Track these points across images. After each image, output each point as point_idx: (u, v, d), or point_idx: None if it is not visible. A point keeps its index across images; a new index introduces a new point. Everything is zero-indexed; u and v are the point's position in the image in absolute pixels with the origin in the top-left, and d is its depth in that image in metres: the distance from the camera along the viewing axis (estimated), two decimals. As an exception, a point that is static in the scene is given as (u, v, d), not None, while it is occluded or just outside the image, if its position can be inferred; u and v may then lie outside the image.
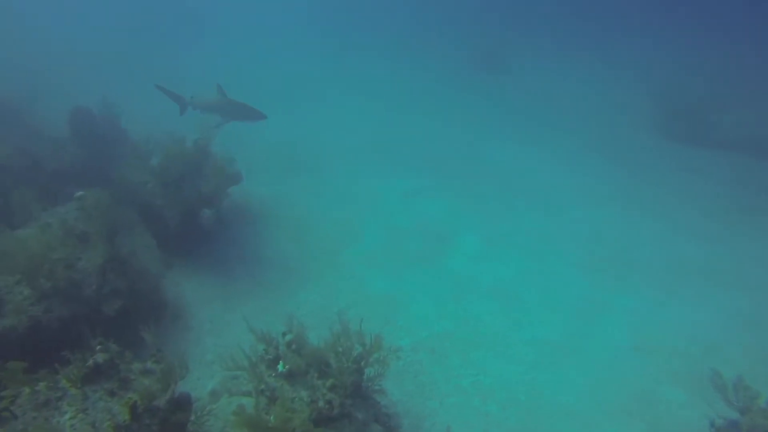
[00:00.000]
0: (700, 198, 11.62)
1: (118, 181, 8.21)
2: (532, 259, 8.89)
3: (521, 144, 13.87)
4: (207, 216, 8.90)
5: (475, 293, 7.96)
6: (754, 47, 22.54)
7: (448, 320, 7.41)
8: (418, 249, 9.00)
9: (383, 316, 7.48)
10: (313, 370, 5.47)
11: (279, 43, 23.84)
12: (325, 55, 22.22)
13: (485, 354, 6.86)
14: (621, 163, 13.21)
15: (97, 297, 6.13)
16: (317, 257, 8.88)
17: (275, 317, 7.39)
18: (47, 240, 6.12)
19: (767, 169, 13.54)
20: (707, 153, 14.26)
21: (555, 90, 18.88)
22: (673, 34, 23.56)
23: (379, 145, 13.15)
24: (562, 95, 18.44)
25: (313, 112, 15.42)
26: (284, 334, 5.93)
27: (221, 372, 5.93)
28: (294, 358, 5.55)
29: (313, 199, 10.52)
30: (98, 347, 4.75)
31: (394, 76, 19.31)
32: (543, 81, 19.61)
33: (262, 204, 10.27)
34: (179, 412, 4.66)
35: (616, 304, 7.99)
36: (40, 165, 8.13)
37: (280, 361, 5.39)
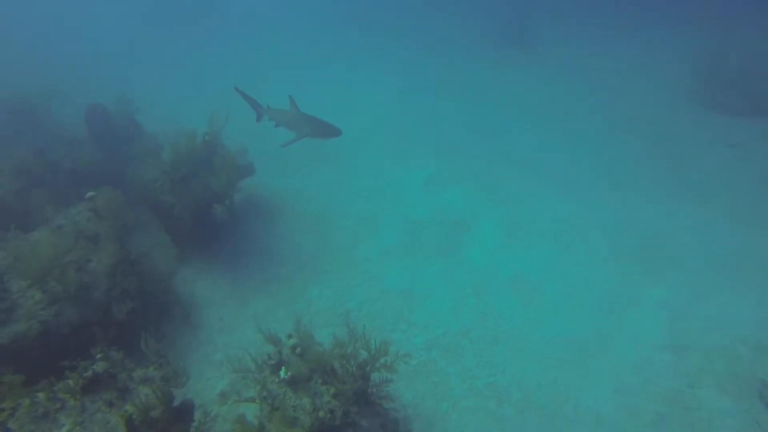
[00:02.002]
0: (746, 177, 10.63)
1: (130, 179, 8.22)
2: (556, 249, 8.38)
3: (542, 124, 13.09)
4: (219, 211, 8.81)
5: (495, 286, 7.58)
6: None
7: (465, 316, 7.09)
8: (436, 240, 8.64)
9: (398, 312, 7.24)
10: (317, 375, 5.31)
11: (300, 27, 23.48)
12: (345, 37, 21.71)
13: (503, 352, 6.52)
14: (655, 141, 12.23)
15: (106, 300, 6.14)
16: (332, 252, 8.68)
17: (287, 314, 7.29)
18: (59, 243, 6.14)
19: None
20: (756, 124, 13.04)
21: (584, 65, 17.72)
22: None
23: (399, 130, 12.72)
24: (592, 70, 17.31)
25: (332, 98, 15.08)
26: (289, 337, 5.80)
27: (231, 373, 5.83)
28: (297, 362, 5.40)
29: (331, 190, 10.28)
30: (98, 356, 4.71)
31: (413, 58, 18.62)
32: (573, 59, 18.44)
33: (277, 197, 10.12)
34: (178, 423, 4.58)
35: (648, 297, 7.43)
36: (57, 166, 8.21)
37: (283, 367, 5.25)
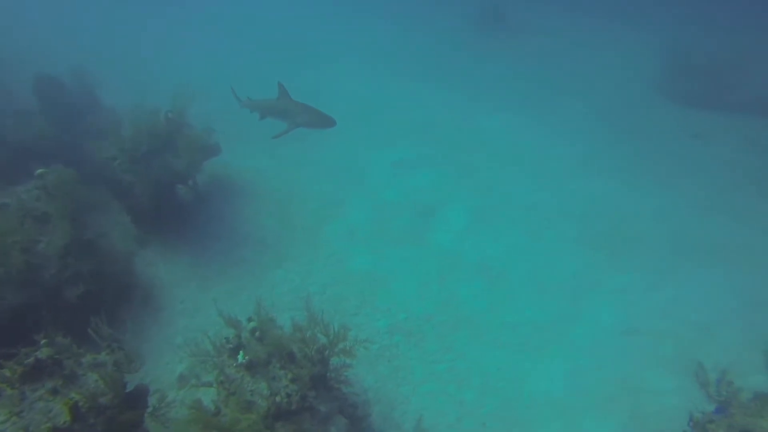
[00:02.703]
0: (708, 166, 10.93)
1: (88, 157, 7.88)
2: (523, 235, 8.47)
3: (517, 109, 13.11)
4: (182, 192, 8.56)
5: (459, 272, 7.63)
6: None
7: (429, 301, 7.13)
8: (403, 223, 8.62)
9: (361, 296, 7.23)
10: (275, 360, 5.27)
11: (274, 7, 22.69)
12: (317, 18, 21.14)
13: (465, 337, 6.60)
14: (624, 129, 12.44)
15: (57, 282, 5.92)
16: (298, 233, 8.58)
17: (250, 297, 7.18)
18: (1, 222, 5.85)
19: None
20: (718, 116, 13.37)
21: (558, 51, 17.78)
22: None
23: (369, 112, 12.56)
24: (565, 56, 17.37)
25: (303, 77, 14.75)
26: (249, 321, 5.73)
27: (189, 357, 5.72)
28: (256, 346, 5.33)
29: (298, 171, 10.11)
30: (43, 341, 4.54)
31: (387, 38, 18.32)
32: (545, 42, 18.44)
33: (244, 177, 9.91)
34: (131, 409, 4.47)
35: (608, 283, 7.60)
36: (2, 140, 7.79)
37: (241, 351, 5.18)
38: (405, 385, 6.03)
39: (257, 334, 5.47)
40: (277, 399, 4.81)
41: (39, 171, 6.63)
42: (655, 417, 5.60)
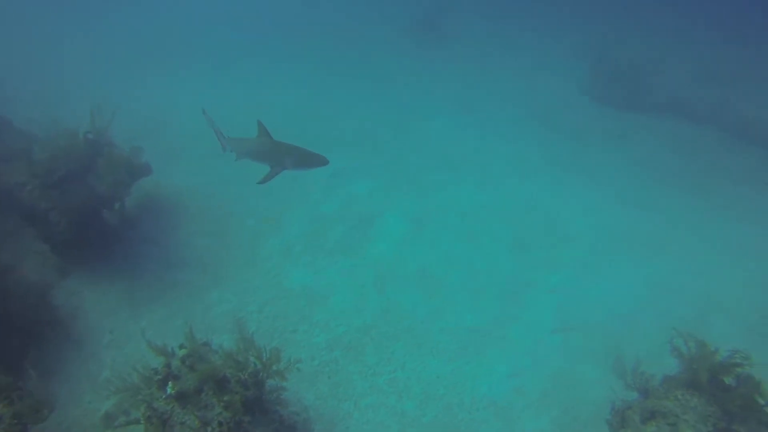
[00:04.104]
0: (631, 164, 11.62)
1: (-4, 182, 7.35)
2: (460, 239, 8.65)
3: (452, 114, 13.45)
4: (108, 216, 8.15)
5: (398, 281, 7.67)
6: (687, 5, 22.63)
7: (367, 313, 7.12)
8: (341, 235, 8.59)
9: (299, 312, 7.12)
10: (207, 387, 5.09)
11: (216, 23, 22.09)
12: (255, 34, 20.78)
13: (405, 347, 6.63)
14: (557, 131, 13.02)
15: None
16: (235, 252, 8.36)
17: (186, 323, 6.92)
18: None
19: (698, 133, 13.68)
20: (639, 117, 14.27)
21: (490, 57, 18.40)
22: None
23: (306, 122, 12.46)
24: (498, 61, 18.01)
25: (237, 89, 14.48)
26: (181, 348, 5.51)
27: (114, 393, 5.42)
28: (188, 375, 5.14)
29: (233, 188, 9.85)
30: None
31: (319, 50, 18.26)
32: (478, 48, 19.06)
33: (177, 197, 9.55)
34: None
35: (542, 282, 7.88)
36: None
37: (169, 382, 4.97)
38: (346, 401, 5.98)
39: (188, 361, 5.28)
40: (209, 429, 4.65)
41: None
42: (584, 408, 5.85)
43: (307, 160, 5.88)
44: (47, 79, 14.17)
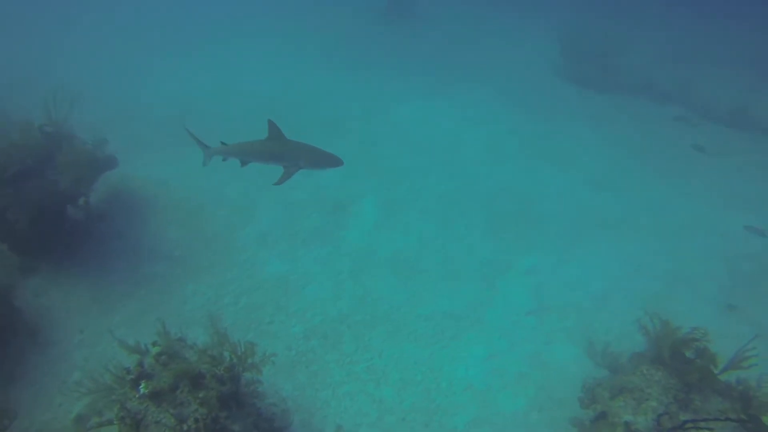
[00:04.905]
0: (600, 145, 11.78)
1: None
2: (434, 224, 8.67)
3: (427, 97, 13.38)
4: (72, 211, 7.89)
5: (373, 268, 7.67)
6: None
7: (344, 301, 7.12)
8: (315, 223, 8.53)
9: (275, 302, 7.08)
10: (183, 384, 5.03)
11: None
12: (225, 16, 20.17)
13: (382, 334, 6.65)
14: (530, 113, 13.06)
15: None
16: (209, 243, 8.23)
17: (161, 316, 6.80)
18: None
19: (664, 112, 13.92)
20: (610, 98, 14.44)
21: (464, 39, 18.28)
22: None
23: (275, 109, 12.22)
24: (472, 44, 17.92)
25: (205, 74, 14.10)
26: (154, 345, 5.42)
27: (85, 394, 5.31)
28: (162, 373, 5.06)
29: (205, 179, 9.61)
30: None
31: (292, 35, 17.85)
32: (452, 31, 18.89)
33: (147, 189, 9.31)
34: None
35: (518, 265, 7.97)
36: None
37: (142, 382, 4.89)
38: (324, 390, 5.99)
39: (162, 359, 5.20)
40: (185, 427, 4.60)
41: None
42: (558, 387, 5.98)
43: (322, 160, 5.84)
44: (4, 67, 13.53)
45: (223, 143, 6.15)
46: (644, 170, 10.80)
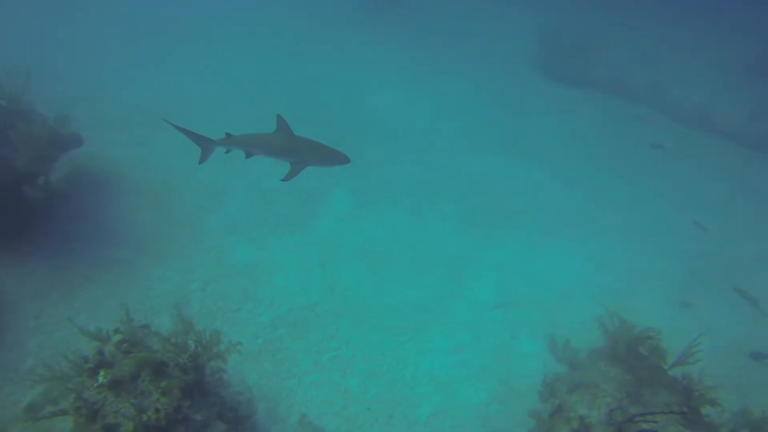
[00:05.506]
0: (574, 141, 12.00)
1: None
2: (406, 215, 8.71)
3: (403, 86, 13.33)
4: (30, 192, 7.58)
5: (343, 258, 7.68)
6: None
7: (312, 290, 7.11)
8: (286, 210, 8.45)
9: (244, 290, 7.01)
10: (144, 373, 4.96)
11: None
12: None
13: (349, 324, 6.69)
14: (506, 107, 13.19)
15: None
16: (178, 227, 8.06)
17: (126, 302, 6.65)
18: None
19: (633, 111, 14.24)
20: (585, 93, 14.68)
21: (444, 31, 18.19)
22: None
23: (252, 93, 12.00)
24: (451, 35, 17.86)
25: (185, 59, 13.65)
26: (115, 332, 5.31)
27: (39, 382, 5.17)
28: (123, 362, 4.97)
29: (175, 161, 9.39)
30: None
31: (271, 19, 17.40)
32: (432, 22, 18.76)
33: (114, 170, 9.01)
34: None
35: (486, 259, 8.11)
36: None
37: (101, 371, 4.79)
38: (290, 379, 6.01)
39: (124, 347, 5.10)
40: (145, 417, 4.54)
41: None
42: (520, 380, 6.16)
43: (330, 158, 5.85)
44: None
45: (228, 134, 6.09)
46: (613, 168, 11.07)
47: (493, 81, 14.55)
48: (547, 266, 8.12)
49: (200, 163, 6.21)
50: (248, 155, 6.14)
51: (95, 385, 4.75)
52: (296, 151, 5.85)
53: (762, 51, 15.07)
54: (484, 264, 8.02)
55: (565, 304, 7.35)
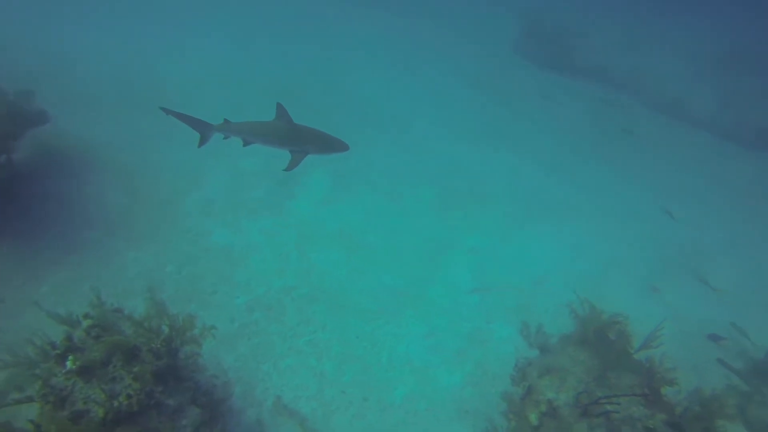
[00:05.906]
0: (554, 127, 12.08)
1: None
2: (383, 199, 8.70)
3: (384, 69, 13.18)
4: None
5: (320, 241, 7.65)
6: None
7: (288, 273, 7.08)
8: (262, 193, 8.35)
9: (219, 272, 6.95)
10: (116, 358, 4.89)
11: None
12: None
13: (325, 308, 6.70)
14: (487, 93, 13.17)
15: None
16: (151, 209, 7.89)
17: (97, 285, 6.51)
18: None
19: (613, 99, 14.38)
20: (567, 80, 14.74)
21: (427, 14, 17.97)
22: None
23: (229, 75, 11.69)
24: (435, 18, 17.66)
25: (160, 37, 13.16)
26: (85, 317, 5.20)
27: (3, 368, 5.05)
28: (92, 347, 4.88)
29: (149, 141, 9.15)
30: None
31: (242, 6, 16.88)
32: (414, 8, 18.51)
33: (84, 149, 8.72)
34: None
35: (462, 243, 8.17)
36: None
37: (70, 356, 4.70)
38: (266, 362, 6.01)
39: (94, 332, 5.01)
40: (116, 403, 4.49)
41: None
42: (494, 364, 6.29)
43: (329, 146, 5.88)
44: None
45: (226, 120, 5.98)
46: (590, 155, 11.21)
47: (475, 66, 14.49)
48: (522, 251, 8.24)
49: (199, 147, 6.17)
50: (246, 143, 6.06)
51: (63, 371, 4.68)
52: (297, 139, 5.84)
53: (733, 46, 15.36)
54: (460, 248, 8.09)
55: (538, 290, 7.49)
